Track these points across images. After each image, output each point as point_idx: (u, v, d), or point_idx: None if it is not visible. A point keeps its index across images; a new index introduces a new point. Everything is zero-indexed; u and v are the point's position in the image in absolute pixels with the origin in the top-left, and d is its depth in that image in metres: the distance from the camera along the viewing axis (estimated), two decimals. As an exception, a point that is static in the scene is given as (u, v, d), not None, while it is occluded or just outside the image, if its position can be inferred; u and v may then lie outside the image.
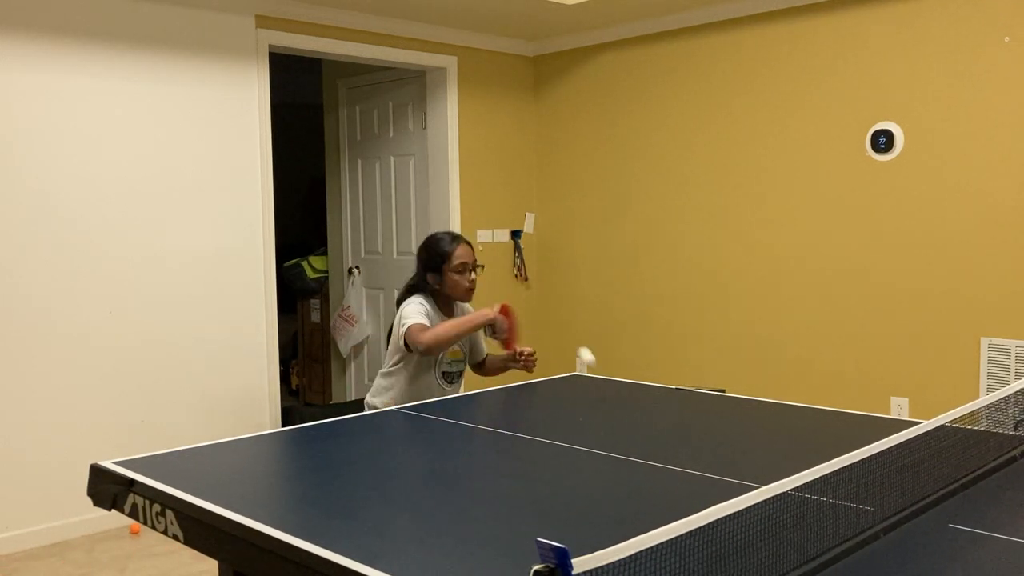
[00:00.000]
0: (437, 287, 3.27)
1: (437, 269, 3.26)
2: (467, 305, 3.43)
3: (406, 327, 3.13)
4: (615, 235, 5.69)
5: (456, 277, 3.25)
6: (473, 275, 3.29)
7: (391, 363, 3.28)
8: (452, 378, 3.34)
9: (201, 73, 4.49)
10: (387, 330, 3.42)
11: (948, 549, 1.57)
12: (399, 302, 3.32)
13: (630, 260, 5.62)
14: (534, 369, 3.39)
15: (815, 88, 4.75)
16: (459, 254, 3.25)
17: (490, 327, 3.22)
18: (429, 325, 3.14)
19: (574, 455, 2.22)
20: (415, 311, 3.18)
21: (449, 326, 3.12)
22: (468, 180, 5.68)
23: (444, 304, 3.31)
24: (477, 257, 3.38)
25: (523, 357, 3.35)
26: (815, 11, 4.73)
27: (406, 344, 3.16)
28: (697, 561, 1.34)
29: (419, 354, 3.16)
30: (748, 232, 5.06)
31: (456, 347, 3.31)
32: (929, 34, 4.36)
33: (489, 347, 3.57)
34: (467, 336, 3.33)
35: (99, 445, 4.19)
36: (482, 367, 3.54)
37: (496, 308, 3.21)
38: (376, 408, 3.28)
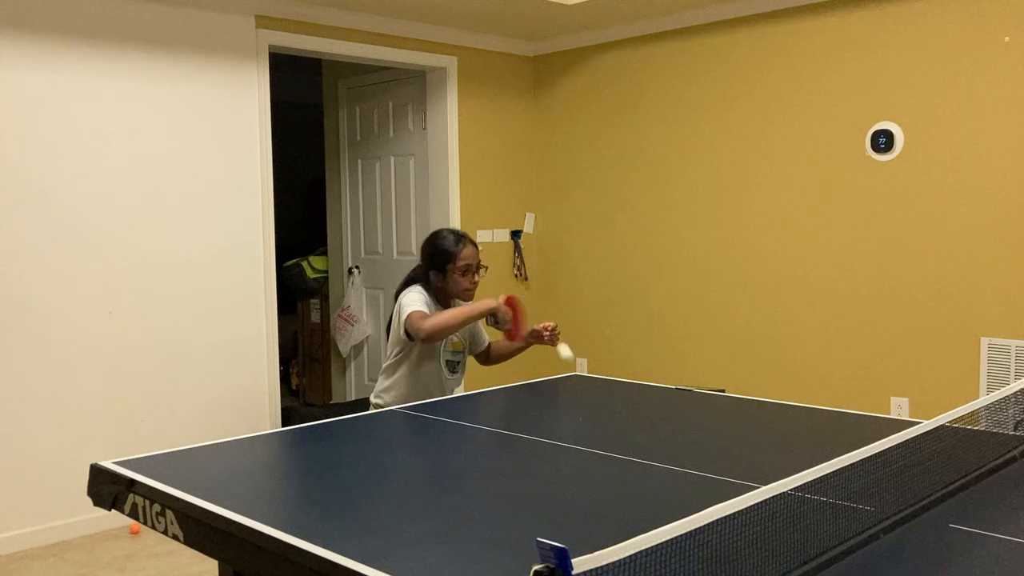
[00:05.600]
0: (439, 284, 3.27)
1: (440, 268, 3.25)
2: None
3: (406, 314, 3.12)
4: (615, 235, 5.69)
5: (459, 278, 3.23)
6: (476, 277, 3.27)
7: (393, 354, 3.28)
8: (454, 367, 3.35)
9: (201, 73, 4.49)
10: (387, 325, 3.41)
11: (948, 549, 1.57)
12: (397, 294, 3.31)
13: (630, 260, 5.62)
14: (559, 342, 3.31)
15: (815, 88, 4.75)
16: (464, 255, 3.23)
17: (492, 316, 3.20)
18: (429, 313, 3.13)
19: (574, 455, 2.22)
20: (415, 299, 3.17)
21: (451, 314, 3.10)
22: (468, 180, 5.68)
23: (442, 299, 3.31)
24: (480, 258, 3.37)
25: (548, 333, 3.31)
26: (815, 11, 4.73)
27: (407, 334, 3.15)
28: (697, 561, 1.34)
29: (420, 342, 3.14)
30: (748, 232, 5.06)
31: (456, 338, 3.32)
32: (929, 34, 4.35)
33: (491, 335, 3.56)
34: (467, 326, 3.33)
35: (99, 445, 4.19)
36: (487, 357, 3.52)
37: (501, 298, 3.19)
38: (382, 405, 3.28)
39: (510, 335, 3.27)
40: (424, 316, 3.10)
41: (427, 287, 3.27)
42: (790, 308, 4.91)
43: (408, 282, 3.33)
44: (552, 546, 1.11)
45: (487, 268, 3.46)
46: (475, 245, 3.30)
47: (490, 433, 2.49)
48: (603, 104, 5.69)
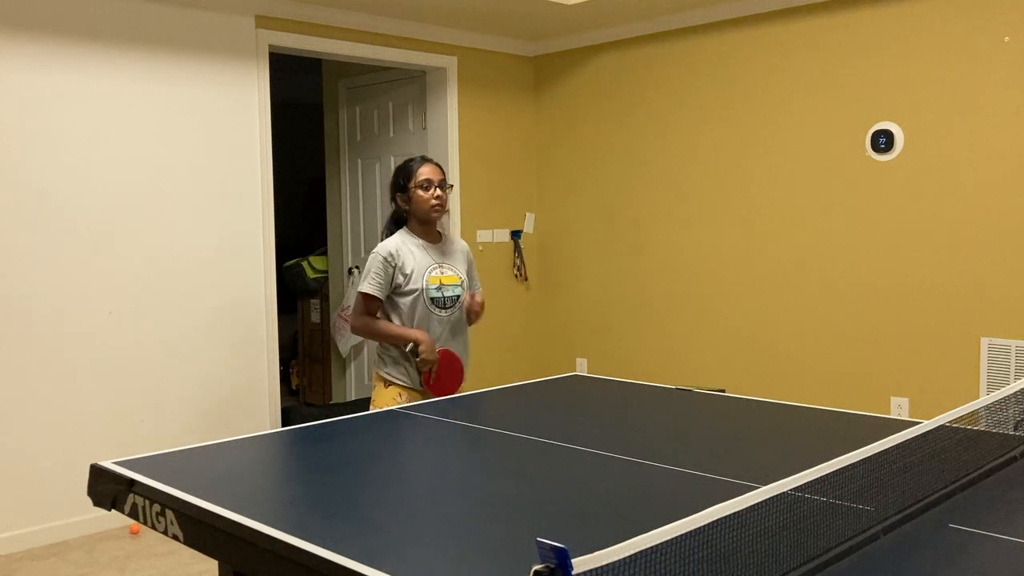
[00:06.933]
0: (407, 207, 3.33)
1: (404, 189, 3.32)
2: (459, 241, 3.49)
3: (359, 288, 3.27)
4: (615, 235, 5.69)
5: (421, 193, 3.29)
6: (439, 191, 3.31)
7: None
8: (443, 303, 3.32)
9: (201, 73, 4.49)
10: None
11: (948, 549, 1.57)
12: (383, 235, 3.41)
13: (630, 260, 5.62)
14: (421, 387, 3.27)
15: (815, 88, 4.75)
16: (422, 171, 3.30)
17: (414, 347, 3.22)
18: (380, 296, 3.23)
19: (574, 455, 2.22)
20: (374, 272, 3.24)
21: (379, 328, 3.25)
22: (468, 180, 5.67)
23: (424, 228, 3.35)
24: (447, 182, 3.40)
25: (428, 370, 3.24)
26: (815, 11, 4.73)
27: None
28: (697, 561, 1.34)
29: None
30: (748, 232, 5.06)
31: (452, 272, 3.34)
32: (929, 34, 4.35)
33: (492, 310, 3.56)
34: (469, 266, 3.46)
35: (99, 445, 4.19)
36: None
37: (438, 349, 3.24)
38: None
39: (424, 380, 3.26)
40: (361, 312, 3.27)
41: (407, 226, 3.35)
42: (790, 308, 4.91)
43: (391, 222, 3.41)
44: (552, 546, 1.11)
45: (452, 186, 3.55)
46: (438, 165, 3.37)
47: (490, 433, 2.49)
48: (603, 104, 5.69)
